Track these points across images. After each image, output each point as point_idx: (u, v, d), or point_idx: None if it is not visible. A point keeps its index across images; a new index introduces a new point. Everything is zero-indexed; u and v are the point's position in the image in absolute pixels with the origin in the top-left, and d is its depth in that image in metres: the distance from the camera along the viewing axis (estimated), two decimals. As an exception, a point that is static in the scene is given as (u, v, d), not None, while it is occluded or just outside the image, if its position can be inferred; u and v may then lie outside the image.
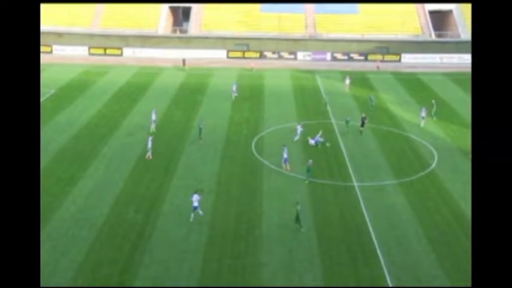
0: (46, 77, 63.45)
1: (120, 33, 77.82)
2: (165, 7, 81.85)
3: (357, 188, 35.01)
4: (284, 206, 32.38)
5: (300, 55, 76.02)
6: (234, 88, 55.50)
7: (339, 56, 75.89)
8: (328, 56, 76.03)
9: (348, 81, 58.36)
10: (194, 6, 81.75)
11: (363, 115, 45.89)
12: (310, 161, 36.30)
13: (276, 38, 76.94)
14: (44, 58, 73.32)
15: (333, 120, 48.96)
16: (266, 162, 38.84)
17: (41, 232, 28.80)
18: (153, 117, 45.28)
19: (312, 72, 69.19)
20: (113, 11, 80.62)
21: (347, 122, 45.69)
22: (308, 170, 35.68)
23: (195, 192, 30.77)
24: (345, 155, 40.50)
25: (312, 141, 42.24)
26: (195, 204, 30.22)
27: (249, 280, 25.26)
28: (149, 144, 39.20)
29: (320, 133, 42.79)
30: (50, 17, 79.50)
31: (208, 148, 41.54)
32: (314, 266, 26.39)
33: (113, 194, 33.57)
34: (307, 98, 56.93)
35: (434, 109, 50.02)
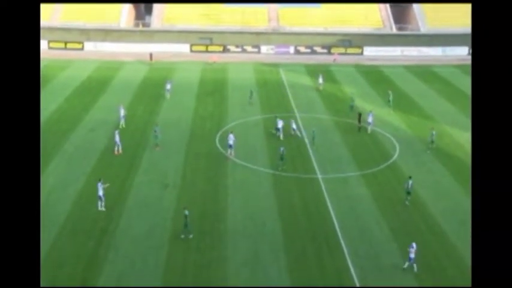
0: (4, 72, 61.83)
1: (81, 26, 76.27)
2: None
3: (320, 180, 35.35)
4: (249, 199, 32.46)
5: (264, 48, 76.10)
6: (169, 87, 53.33)
7: (302, 49, 76.26)
8: (292, 50, 76.31)
9: (321, 80, 57.63)
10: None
11: (359, 112, 45.94)
12: (282, 148, 36.80)
13: (239, 31, 76.74)
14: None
15: (296, 114, 49.21)
16: (230, 156, 38.78)
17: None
18: (122, 112, 44.59)
19: (275, 65, 69.34)
20: (73, 5, 78.79)
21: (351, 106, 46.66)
22: (282, 158, 36.44)
23: (99, 181, 30.78)
24: (309, 148, 40.80)
25: (293, 127, 42.98)
26: (100, 192, 30.43)
27: (214, 275, 25.26)
28: (117, 139, 38.71)
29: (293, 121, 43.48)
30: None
31: (172, 142, 41.22)
32: (279, 258, 26.55)
33: (75, 190, 33.05)
34: (271, 92, 57.05)
35: (391, 98, 51.27)
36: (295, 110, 50.26)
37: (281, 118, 43.28)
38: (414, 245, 25.63)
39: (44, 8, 77.52)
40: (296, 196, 33.15)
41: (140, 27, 79.88)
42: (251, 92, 52.91)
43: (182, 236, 28.09)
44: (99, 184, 30.70)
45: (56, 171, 35.72)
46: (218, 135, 43.04)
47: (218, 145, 40.94)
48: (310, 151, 40.12)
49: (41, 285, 23.63)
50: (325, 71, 66.31)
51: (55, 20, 77.34)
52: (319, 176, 35.95)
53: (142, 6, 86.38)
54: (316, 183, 34.90)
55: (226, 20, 78.17)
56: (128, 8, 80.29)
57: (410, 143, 42.36)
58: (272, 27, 77.96)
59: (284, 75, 64.21)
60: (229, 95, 55.01)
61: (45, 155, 38.00)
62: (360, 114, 45.31)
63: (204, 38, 76.41)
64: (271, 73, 65.33)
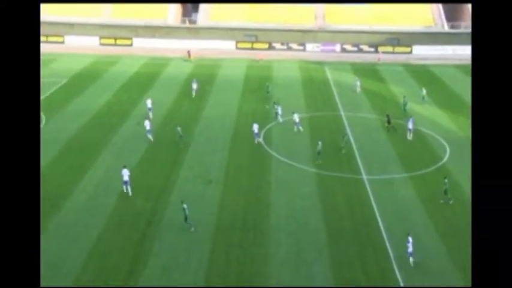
0: (58, 67, 63.87)
1: (130, 23, 77.76)
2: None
3: (365, 181, 34.89)
4: (292, 197, 32.36)
5: (309, 46, 75.65)
6: (195, 86, 53.12)
7: (348, 47, 75.41)
8: (338, 48, 75.57)
9: (358, 83, 56.08)
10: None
11: (388, 113, 45.00)
12: (320, 142, 37.25)
13: (285, 29, 76.57)
14: (56, 48, 74.10)
15: (342, 113, 48.75)
16: (274, 154, 38.77)
17: (52, 220, 29.06)
18: (149, 104, 46.30)
19: (321, 63, 68.86)
20: (123, 1, 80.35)
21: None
22: (319, 153, 36.97)
23: (124, 167, 32.46)
24: (354, 147, 40.33)
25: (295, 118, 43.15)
26: (126, 178, 32.03)
27: (256, 271, 25.30)
28: (148, 127, 40.56)
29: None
30: (62, 8, 79.55)
31: (216, 139, 41.53)
32: (322, 257, 26.37)
33: (122, 182, 33.65)
34: (316, 90, 56.68)
35: (424, 93, 51.85)
36: (341, 109, 49.77)
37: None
38: (410, 239, 25.70)
39: (96, 5, 79.58)
40: (340, 196, 32.83)
41: (187, 24, 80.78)
42: (267, 86, 53.42)
43: (192, 229, 28.61)
44: (124, 170, 32.18)
45: (104, 164, 36.55)
46: (262, 132, 43.05)
47: (263, 142, 40.95)
48: (356, 151, 39.64)
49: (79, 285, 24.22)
50: (372, 69, 65.40)
51: (106, 17, 79.11)
52: (364, 177, 35.48)
53: (189, 4, 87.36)
54: (360, 184, 34.47)
55: (272, 18, 78.12)
56: (175, 5, 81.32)
57: (461, 145, 41.21)
58: (318, 25, 77.45)
59: (330, 74, 63.68)
60: (274, 93, 54.94)
61: (95, 148, 39.00)
62: (388, 116, 44.18)
63: (249, 35, 76.61)
64: (317, 71, 64.93)
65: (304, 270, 25.41)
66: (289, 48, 75.63)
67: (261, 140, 40.91)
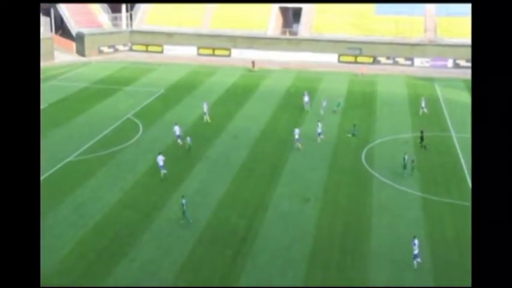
0: (156, 77, 67.42)
1: (229, 33, 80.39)
2: (275, 8, 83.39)
3: (478, 208, 33.57)
4: (395, 222, 31.87)
5: (418, 61, 74.16)
6: (306, 99, 53.69)
7: (462, 62, 73.04)
8: (450, 63, 73.48)
9: (423, 104, 53.19)
10: (305, 7, 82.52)
11: (422, 129, 44.73)
12: (406, 156, 37.87)
13: (391, 42, 75.66)
14: (154, 58, 78.36)
15: (452, 133, 47.31)
16: (376, 174, 38.39)
17: (147, 231, 30.63)
18: (205, 108, 49.80)
19: (430, 79, 67.26)
20: (222, 11, 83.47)
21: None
22: (404, 167, 37.81)
23: (159, 154, 37.66)
24: (465, 171, 38.97)
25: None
26: (161, 163, 37.04)
27: (354, 297, 25.18)
28: (177, 132, 43.52)
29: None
30: (160, 17, 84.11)
31: (314, 155, 41.81)
32: (427, 288, 25.75)
33: (216, 196, 34.82)
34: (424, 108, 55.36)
35: (423, 104, 52.48)
36: (451, 130, 48.30)
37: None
38: (416, 241, 26.82)
39: (194, 15, 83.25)
40: (449, 225, 31.83)
41: (287, 35, 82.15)
42: (339, 103, 53.52)
43: (182, 222, 31.08)
44: (159, 157, 37.13)
45: (198, 176, 38.00)
46: (364, 151, 42.78)
47: (364, 161, 40.69)
48: (467, 175, 38.28)
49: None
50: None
51: (204, 27, 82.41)
52: (477, 204, 34.15)
53: (290, 14, 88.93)
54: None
55: (378, 30, 77.55)
56: (275, 15, 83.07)
57: None
58: (428, 38, 75.80)
59: (440, 91, 62.02)
60: (377, 110, 54.45)
61: (189, 160, 40.65)
62: (422, 132, 43.69)
63: (352, 48, 76.48)
64: (425, 88, 63.46)
65: (406, 301, 24.95)
66: (396, 63, 74.60)
67: (300, 145, 42.54)
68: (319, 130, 44.73)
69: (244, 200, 34.49)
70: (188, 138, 42.52)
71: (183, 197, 31.79)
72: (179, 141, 43.45)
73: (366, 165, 40.04)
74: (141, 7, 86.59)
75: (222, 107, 54.68)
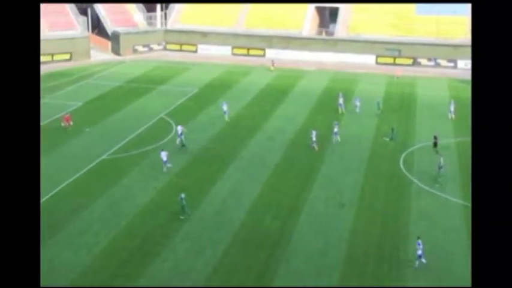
0: (190, 76, 68.02)
1: (263, 33, 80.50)
2: (311, 7, 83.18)
3: (522, 218, 32.82)
4: (434, 230, 31.37)
5: (461, 63, 72.87)
6: (341, 100, 53.83)
7: (506, 66, 71.50)
8: (494, 66, 72.03)
9: (452, 108, 52.31)
10: (342, 7, 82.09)
11: (435, 135, 43.92)
12: (442, 158, 38.32)
13: (432, 43, 74.67)
14: (189, 57, 79.07)
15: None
16: (415, 180, 37.87)
17: (179, 231, 30.86)
18: (225, 108, 50.31)
19: (472, 83, 65.98)
20: (257, 11, 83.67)
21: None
22: (440, 167, 37.94)
23: (162, 150, 38.94)
24: (509, 179, 38.11)
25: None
26: (165, 158, 38.21)
27: (391, 305, 24.88)
28: (179, 132, 43.54)
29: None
30: (195, 17, 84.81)
31: (351, 159, 41.51)
32: (467, 299, 25.25)
33: (250, 198, 34.87)
34: (467, 113, 54.29)
35: (452, 108, 51.69)
36: (494, 135, 47.28)
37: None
38: (420, 242, 27.30)
39: (230, 14, 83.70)
40: (491, 232, 31.17)
41: (323, 36, 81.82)
42: (378, 103, 53.34)
43: (182, 217, 31.74)
44: (163, 153, 38.35)
45: (232, 177, 38.10)
46: (403, 156, 42.26)
47: (402, 167, 40.20)
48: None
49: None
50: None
51: (239, 27, 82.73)
52: (521, 213, 33.39)
53: (327, 13, 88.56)
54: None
55: (418, 30, 76.63)
56: (311, 15, 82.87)
57: None
58: (471, 40, 74.39)
59: (482, 95, 60.75)
60: (417, 113, 53.76)
61: (223, 160, 40.82)
62: (435, 138, 43.23)
63: (391, 50, 75.71)
64: (468, 91, 62.06)
65: (445, 311, 24.54)
66: (437, 65, 73.58)
67: (315, 146, 42.90)
68: (336, 130, 44.74)
69: (278, 202, 34.45)
70: (181, 136, 43.01)
71: (183, 192, 32.57)
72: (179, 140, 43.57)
73: (404, 171, 39.54)
74: (176, 6, 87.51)
75: (257, 107, 54.77)
